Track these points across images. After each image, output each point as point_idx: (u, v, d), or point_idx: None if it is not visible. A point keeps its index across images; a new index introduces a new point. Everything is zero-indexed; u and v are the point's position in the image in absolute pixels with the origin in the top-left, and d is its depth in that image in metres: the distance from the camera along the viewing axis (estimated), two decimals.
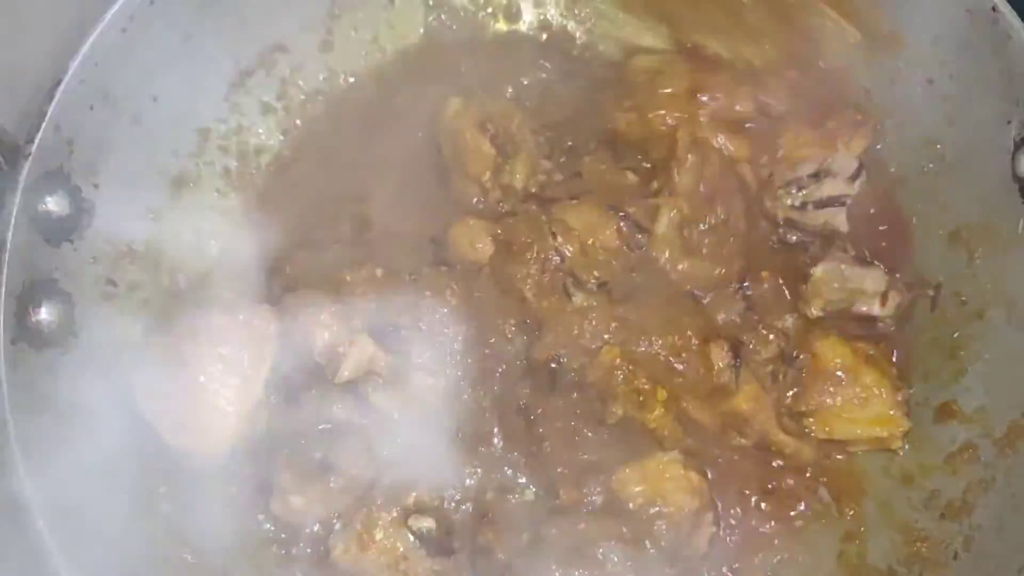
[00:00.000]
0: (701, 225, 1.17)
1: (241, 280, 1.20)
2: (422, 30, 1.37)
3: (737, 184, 1.22)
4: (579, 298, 1.15)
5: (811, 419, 1.14)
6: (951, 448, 1.12)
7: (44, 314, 1.04)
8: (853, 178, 1.19)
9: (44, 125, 1.04)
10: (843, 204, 1.19)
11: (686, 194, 1.18)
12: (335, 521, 1.13)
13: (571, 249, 1.16)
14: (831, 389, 1.13)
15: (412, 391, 1.14)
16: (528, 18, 1.38)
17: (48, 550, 0.98)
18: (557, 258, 1.16)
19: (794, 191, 1.20)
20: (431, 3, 1.37)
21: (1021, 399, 1.07)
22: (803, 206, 1.20)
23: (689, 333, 1.14)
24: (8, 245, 1.01)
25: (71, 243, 1.09)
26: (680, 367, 1.13)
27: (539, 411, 1.14)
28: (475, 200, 1.23)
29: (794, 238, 1.22)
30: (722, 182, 1.20)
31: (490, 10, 1.38)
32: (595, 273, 1.16)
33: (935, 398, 1.16)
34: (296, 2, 1.29)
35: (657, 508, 1.08)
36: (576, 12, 1.38)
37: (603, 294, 1.16)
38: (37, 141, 1.04)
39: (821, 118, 1.21)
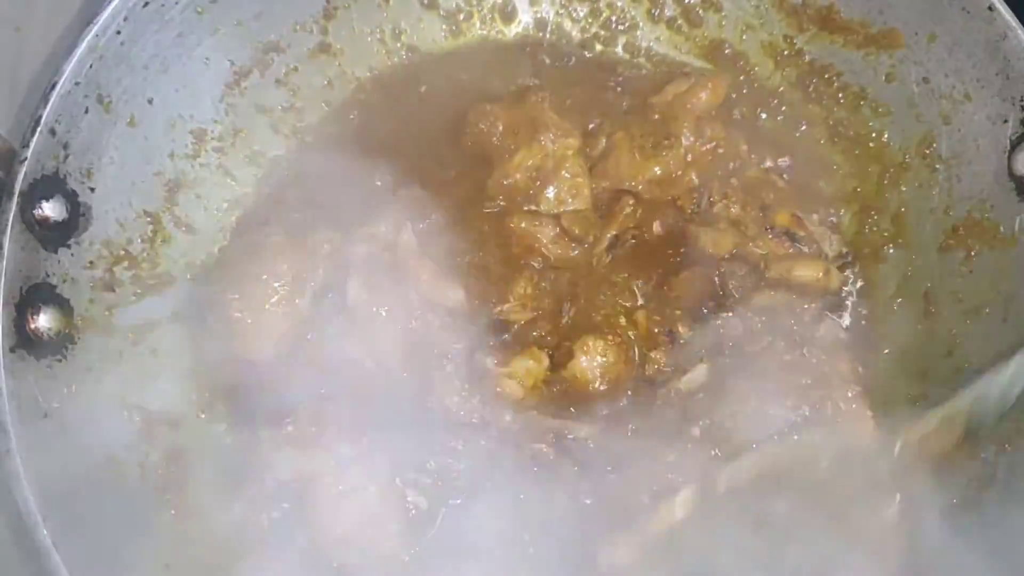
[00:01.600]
0: None
1: None
2: (418, 30, 1.36)
3: None
4: None
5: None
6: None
7: (43, 321, 1.03)
8: None
9: (39, 129, 1.03)
10: None
11: None
12: None
13: None
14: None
15: None
16: (524, 18, 1.38)
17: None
18: None
19: None
20: (426, 3, 1.37)
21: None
22: None
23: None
24: (5, 251, 1.00)
25: (68, 248, 1.08)
26: None
27: None
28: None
29: None
30: None
31: (485, 10, 1.38)
32: None
33: (933, 396, 1.16)
34: (290, 3, 1.28)
35: None
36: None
37: None
38: (32, 145, 1.02)
39: None
